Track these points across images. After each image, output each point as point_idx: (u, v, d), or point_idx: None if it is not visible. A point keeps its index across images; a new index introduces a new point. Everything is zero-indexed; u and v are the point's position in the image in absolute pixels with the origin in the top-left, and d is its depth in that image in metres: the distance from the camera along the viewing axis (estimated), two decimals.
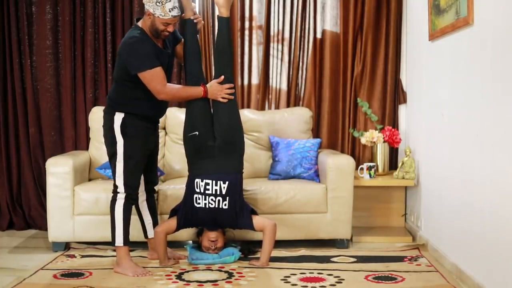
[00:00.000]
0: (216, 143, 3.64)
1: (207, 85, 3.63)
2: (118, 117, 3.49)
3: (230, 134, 3.68)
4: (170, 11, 3.37)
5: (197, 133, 3.63)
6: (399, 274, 3.46)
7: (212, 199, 3.59)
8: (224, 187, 3.59)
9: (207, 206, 3.60)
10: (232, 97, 3.69)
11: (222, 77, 3.65)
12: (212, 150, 3.63)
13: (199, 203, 3.61)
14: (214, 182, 3.59)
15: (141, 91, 3.47)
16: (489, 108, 2.95)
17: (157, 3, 3.35)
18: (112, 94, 3.57)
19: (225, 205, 3.60)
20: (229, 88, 3.66)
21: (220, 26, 3.69)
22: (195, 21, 3.64)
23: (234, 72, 4.78)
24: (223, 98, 3.64)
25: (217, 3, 3.69)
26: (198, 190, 3.61)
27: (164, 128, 4.59)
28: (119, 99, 3.52)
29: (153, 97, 3.48)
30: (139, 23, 3.51)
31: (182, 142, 3.80)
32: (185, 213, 3.64)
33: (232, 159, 3.67)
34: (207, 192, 3.59)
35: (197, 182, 3.61)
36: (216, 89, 3.62)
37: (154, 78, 3.42)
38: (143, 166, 3.60)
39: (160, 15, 3.37)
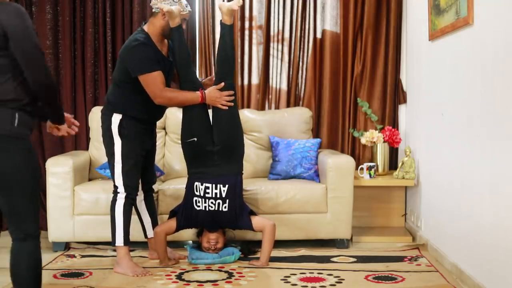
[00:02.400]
0: (216, 148, 3.61)
1: (206, 91, 3.59)
2: (116, 118, 3.50)
3: (231, 141, 3.65)
4: (186, 6, 3.54)
5: (195, 139, 3.60)
6: (399, 274, 3.46)
7: (212, 202, 3.59)
8: (224, 190, 3.59)
9: (207, 209, 3.60)
10: (232, 104, 3.62)
11: (222, 83, 3.60)
12: (212, 155, 3.61)
13: (199, 206, 3.60)
14: (213, 185, 3.58)
15: (139, 95, 3.48)
16: (489, 108, 2.95)
17: (174, 0, 3.47)
18: (110, 96, 3.58)
19: (225, 207, 3.60)
20: (229, 96, 3.60)
21: (222, 32, 3.61)
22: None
23: (234, 72, 4.78)
24: (222, 105, 3.59)
25: (220, 10, 3.62)
26: (197, 193, 3.60)
27: (164, 128, 4.59)
28: (117, 101, 3.53)
29: (151, 100, 3.49)
30: (145, 27, 3.53)
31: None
32: (185, 214, 3.64)
33: (232, 162, 3.66)
34: (207, 195, 3.59)
35: (196, 185, 3.61)
36: (215, 96, 3.57)
37: (152, 82, 3.43)
38: (140, 166, 3.61)
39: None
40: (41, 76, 2.37)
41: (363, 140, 4.52)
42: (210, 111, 3.72)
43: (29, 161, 2.45)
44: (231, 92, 3.62)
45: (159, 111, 3.67)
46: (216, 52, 3.77)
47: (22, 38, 2.34)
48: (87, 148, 4.63)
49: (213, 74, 3.95)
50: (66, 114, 2.71)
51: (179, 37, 3.50)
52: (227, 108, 3.60)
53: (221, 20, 3.62)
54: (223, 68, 3.64)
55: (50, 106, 2.51)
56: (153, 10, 3.53)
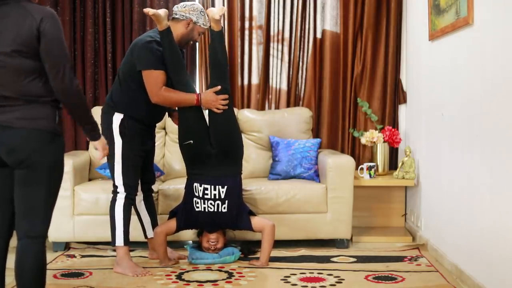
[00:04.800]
0: (214, 150, 3.60)
1: (202, 94, 3.58)
2: (117, 118, 3.51)
3: (228, 142, 3.65)
4: (208, 22, 3.63)
5: (191, 141, 3.60)
6: (399, 274, 3.46)
7: (211, 203, 3.59)
8: (222, 191, 3.58)
9: (206, 210, 3.60)
10: (227, 107, 3.61)
11: (219, 87, 3.58)
12: (210, 157, 3.61)
13: (198, 207, 3.60)
14: (212, 187, 3.58)
15: (143, 94, 3.49)
16: (489, 108, 2.95)
17: (201, 13, 3.62)
18: (114, 94, 3.58)
19: (224, 208, 3.60)
20: (224, 99, 3.59)
21: (212, 38, 3.62)
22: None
23: (234, 72, 4.80)
24: (217, 108, 3.58)
25: (207, 16, 3.64)
26: (197, 194, 3.60)
27: (164, 128, 4.60)
28: (120, 100, 3.53)
29: (152, 102, 3.51)
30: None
31: None
32: (185, 215, 3.63)
33: (231, 164, 3.66)
34: (206, 196, 3.58)
35: (195, 186, 3.61)
36: (211, 99, 3.57)
37: (153, 80, 3.45)
38: (139, 166, 3.61)
39: (203, 24, 3.63)
40: (63, 84, 2.38)
41: (363, 140, 4.52)
42: (205, 113, 3.71)
43: (62, 160, 2.52)
44: (226, 96, 3.61)
45: (159, 114, 3.69)
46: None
47: (54, 44, 2.37)
48: (87, 148, 4.63)
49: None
50: (95, 143, 2.72)
51: (169, 40, 3.48)
52: (221, 111, 3.59)
53: (209, 26, 3.64)
54: (216, 73, 3.64)
55: (75, 114, 2.51)
56: (176, 16, 3.59)
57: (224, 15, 4.74)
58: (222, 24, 4.68)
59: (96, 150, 2.81)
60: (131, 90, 3.53)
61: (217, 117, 3.61)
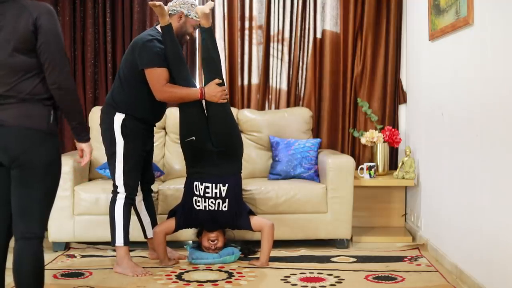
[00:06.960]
0: (215, 148, 3.61)
1: (205, 87, 3.59)
2: (118, 118, 3.50)
3: (228, 139, 3.65)
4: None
5: (193, 138, 3.60)
6: (399, 274, 3.46)
7: (212, 202, 3.59)
8: (223, 190, 3.59)
9: (206, 209, 3.60)
10: (228, 96, 3.66)
11: (220, 80, 3.59)
12: (211, 154, 3.61)
13: (198, 206, 3.61)
14: (213, 185, 3.58)
15: (145, 93, 3.49)
16: (489, 108, 2.95)
17: (192, 5, 3.60)
18: (114, 94, 3.57)
19: (224, 207, 3.60)
20: (224, 91, 3.62)
21: (202, 36, 3.63)
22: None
23: (234, 72, 4.80)
24: (221, 100, 3.58)
25: (197, 13, 3.62)
26: (197, 193, 3.60)
27: (164, 128, 4.59)
28: (121, 100, 3.53)
29: (153, 100, 3.51)
30: (158, 28, 3.59)
31: None
32: (184, 214, 3.64)
33: (231, 162, 3.66)
34: (207, 195, 3.59)
35: (196, 185, 3.61)
36: (215, 91, 3.58)
37: (156, 77, 3.46)
38: (140, 166, 3.61)
39: (195, 16, 3.60)
40: (59, 78, 2.37)
41: (363, 140, 4.52)
42: None
43: (58, 160, 2.49)
44: (225, 87, 3.64)
45: (161, 112, 3.69)
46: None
47: (51, 39, 2.35)
48: None
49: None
50: (82, 145, 2.66)
51: (170, 36, 3.50)
52: (226, 101, 3.60)
53: (199, 24, 3.64)
54: (211, 68, 3.65)
55: (68, 113, 2.48)
56: (170, 12, 3.60)
57: (225, 15, 4.76)
58: (222, 24, 4.74)
59: (79, 158, 2.69)
60: (133, 89, 3.52)
61: (215, 114, 3.61)
